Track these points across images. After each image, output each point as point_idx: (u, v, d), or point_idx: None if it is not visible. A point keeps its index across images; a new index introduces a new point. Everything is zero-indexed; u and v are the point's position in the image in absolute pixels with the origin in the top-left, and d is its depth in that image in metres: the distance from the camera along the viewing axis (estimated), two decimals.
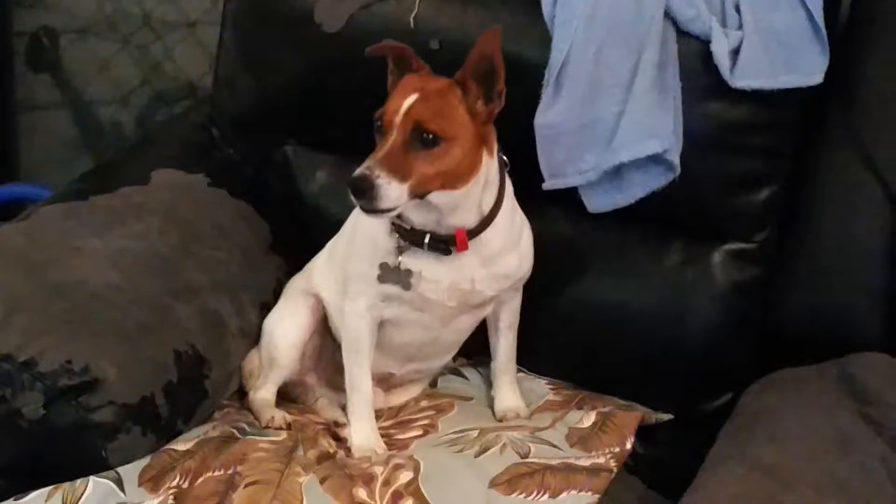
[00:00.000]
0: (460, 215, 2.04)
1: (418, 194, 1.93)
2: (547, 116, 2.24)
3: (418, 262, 2.09)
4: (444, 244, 2.06)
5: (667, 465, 2.20)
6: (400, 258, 2.09)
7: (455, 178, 1.98)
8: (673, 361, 2.34)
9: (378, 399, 2.26)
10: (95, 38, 3.49)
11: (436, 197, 1.98)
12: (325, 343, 2.32)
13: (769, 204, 2.31)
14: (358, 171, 1.88)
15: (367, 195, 1.87)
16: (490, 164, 2.05)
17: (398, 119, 1.92)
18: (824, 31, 2.20)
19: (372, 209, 1.90)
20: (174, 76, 3.46)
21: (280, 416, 2.22)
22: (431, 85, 1.98)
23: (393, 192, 1.88)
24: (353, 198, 1.89)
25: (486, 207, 2.07)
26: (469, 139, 1.97)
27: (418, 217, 2.05)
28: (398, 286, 2.10)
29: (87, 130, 3.61)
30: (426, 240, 2.06)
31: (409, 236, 2.07)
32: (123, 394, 2.01)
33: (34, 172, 3.64)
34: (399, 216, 2.04)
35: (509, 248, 2.13)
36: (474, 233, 2.07)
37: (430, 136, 1.92)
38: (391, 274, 2.09)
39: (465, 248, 2.06)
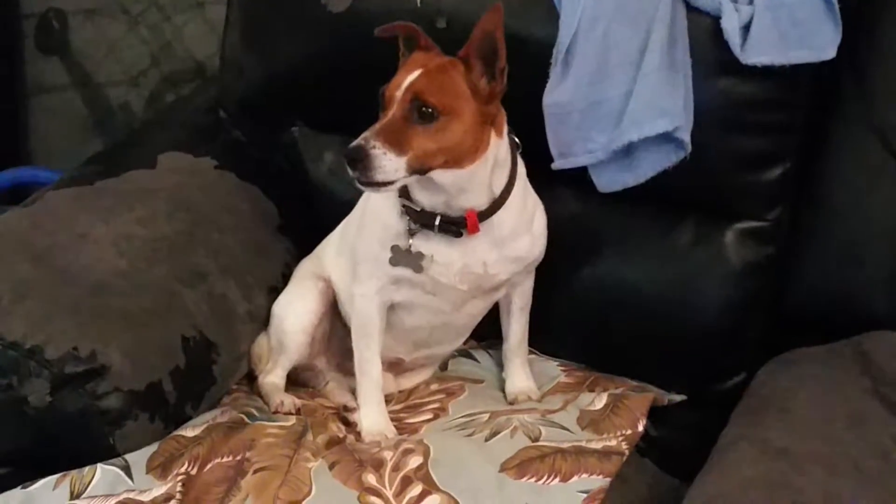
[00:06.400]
0: (469, 196, 2.03)
1: (418, 170, 1.92)
2: (555, 95, 2.22)
3: (430, 245, 2.07)
4: (455, 226, 2.05)
5: (679, 447, 2.20)
6: (411, 241, 2.07)
7: (458, 156, 1.96)
8: (685, 342, 2.33)
9: (388, 383, 2.25)
10: (104, 19, 3.49)
11: (440, 176, 1.97)
12: (335, 327, 2.31)
13: (781, 182, 2.28)
14: (354, 143, 1.88)
15: (361, 166, 1.86)
16: (499, 145, 2.03)
17: (399, 93, 1.92)
18: (836, 5, 2.16)
19: (367, 181, 1.89)
20: (183, 57, 3.45)
21: (289, 400, 2.21)
22: (435, 61, 1.98)
23: (389, 163, 1.87)
24: (348, 170, 1.89)
25: (497, 189, 2.06)
26: (471, 116, 1.95)
27: (427, 198, 2.04)
28: (409, 269, 2.09)
29: (97, 112, 3.61)
30: (436, 222, 2.04)
31: (419, 218, 2.06)
32: (130, 380, 2.01)
33: (44, 155, 3.64)
34: (408, 197, 2.04)
35: (522, 230, 2.12)
36: (486, 215, 2.05)
37: (429, 109, 1.91)
38: (402, 257, 2.08)
39: (476, 230, 2.05)
